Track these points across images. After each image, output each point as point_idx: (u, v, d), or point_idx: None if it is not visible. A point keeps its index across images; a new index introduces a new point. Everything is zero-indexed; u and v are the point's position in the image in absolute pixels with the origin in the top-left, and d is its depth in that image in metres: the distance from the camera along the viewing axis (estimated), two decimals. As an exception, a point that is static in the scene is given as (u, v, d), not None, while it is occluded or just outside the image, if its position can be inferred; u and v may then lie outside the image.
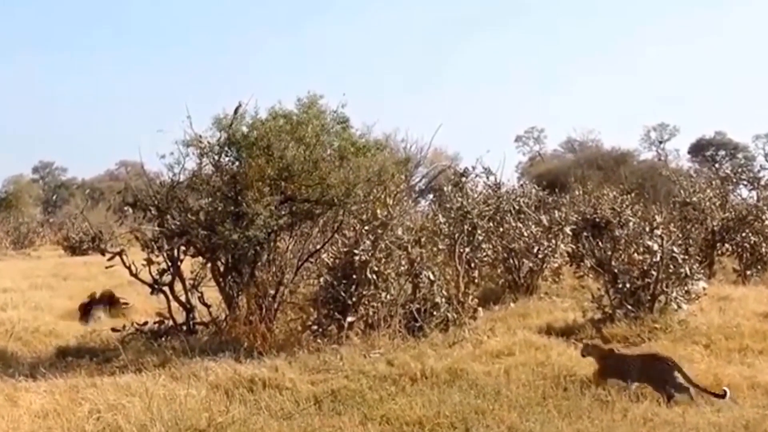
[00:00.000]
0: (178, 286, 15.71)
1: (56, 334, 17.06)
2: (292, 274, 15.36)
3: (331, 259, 15.39)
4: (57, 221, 68.03)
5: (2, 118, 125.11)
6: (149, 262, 15.49)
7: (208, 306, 15.74)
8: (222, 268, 15.56)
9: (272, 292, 15.10)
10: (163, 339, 15.15)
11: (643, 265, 15.98)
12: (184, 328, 15.56)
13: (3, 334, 16.25)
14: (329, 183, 14.78)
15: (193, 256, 15.85)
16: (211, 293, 15.85)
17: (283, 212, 15.05)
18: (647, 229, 16.52)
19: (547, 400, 10.81)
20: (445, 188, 20.81)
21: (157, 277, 15.65)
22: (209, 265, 15.65)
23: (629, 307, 15.57)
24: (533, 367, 12.51)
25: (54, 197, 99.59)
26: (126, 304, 16.23)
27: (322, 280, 15.30)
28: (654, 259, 15.82)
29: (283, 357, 13.22)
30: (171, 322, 15.62)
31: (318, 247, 15.67)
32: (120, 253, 15.53)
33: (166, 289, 15.68)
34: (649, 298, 15.74)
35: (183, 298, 15.70)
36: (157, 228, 15.55)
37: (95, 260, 21.29)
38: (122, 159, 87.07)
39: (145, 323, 15.79)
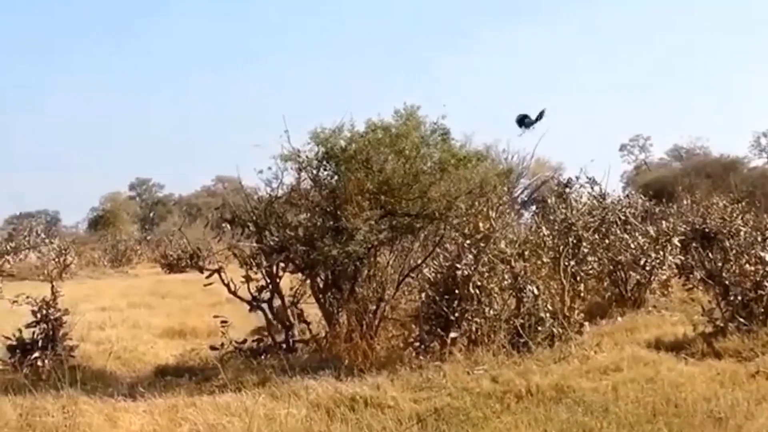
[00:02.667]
0: (277, 303, 15.84)
1: (155, 353, 17.28)
2: (393, 290, 15.42)
3: (433, 274, 15.39)
4: (154, 238, 68.99)
5: (99, 134, 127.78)
6: (248, 278, 15.67)
7: (307, 323, 15.88)
8: (321, 285, 15.64)
9: (373, 308, 15.18)
10: (263, 357, 15.33)
11: (755, 277, 15.74)
12: (284, 345, 15.69)
13: (102, 354, 16.35)
14: (430, 196, 14.79)
15: (292, 273, 15.96)
16: (311, 310, 15.99)
17: (383, 227, 15.02)
18: (759, 239, 16.30)
19: (658, 417, 10.68)
20: (548, 200, 20.66)
21: (256, 294, 15.82)
22: (308, 281, 15.76)
23: (742, 320, 15.32)
24: (642, 383, 12.39)
25: (151, 214, 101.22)
26: (225, 322, 16.35)
27: (423, 295, 15.32)
28: (767, 270, 15.59)
29: (385, 374, 13.25)
30: (270, 340, 15.77)
31: (419, 261, 15.66)
32: (218, 271, 15.74)
33: (265, 306, 15.84)
34: (762, 310, 15.49)
35: (282, 316, 15.82)
36: (255, 244, 15.71)
37: (193, 278, 21.57)
38: (219, 174, 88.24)
39: (244, 341, 15.95)
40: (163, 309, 25.07)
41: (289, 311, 15.86)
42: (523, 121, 16.54)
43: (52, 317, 14.30)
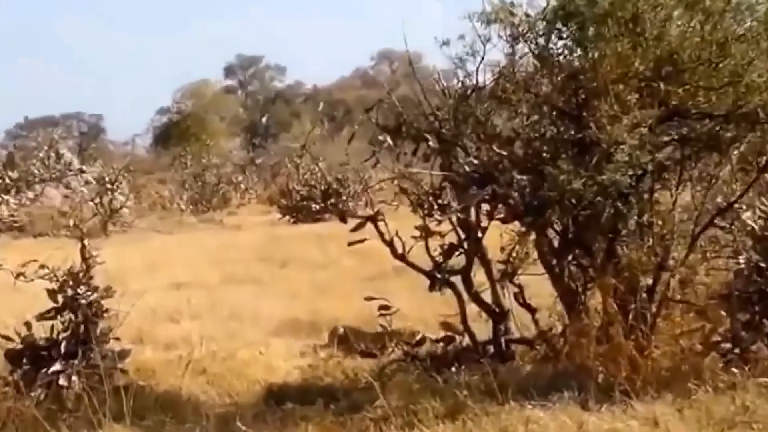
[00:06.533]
0: (478, 275, 15.83)
1: (266, 363, 17.42)
2: (684, 251, 15.25)
3: (759, 222, 15.18)
4: (268, 162, 69.27)
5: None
6: (426, 232, 15.64)
7: (533, 310, 15.86)
8: (557, 242, 15.50)
9: (648, 282, 15.06)
10: (453, 369, 15.30)
11: None
12: (490, 348, 15.75)
13: (175, 364, 16.44)
14: (749, 82, 14.45)
15: (503, 222, 15.74)
16: (538, 287, 15.95)
17: (664, 138, 14.83)
18: None
19: None
20: None
21: (441, 259, 15.82)
22: (533, 236, 15.68)
23: None
24: None
25: (264, 119, 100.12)
26: (387, 308, 16.41)
27: (741, 259, 15.16)
28: None
29: (669, 400, 13.19)
30: (466, 339, 15.81)
31: (732, 199, 15.43)
32: (374, 219, 15.71)
33: (456, 280, 15.82)
34: None
35: (488, 297, 15.82)
36: (439, 172, 15.67)
37: (333, 230, 21.72)
38: (380, 48, 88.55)
39: (421, 341, 16.05)
40: (281, 286, 25.41)
41: (499, 289, 15.85)
42: None
43: (83, 301, 14.32)
